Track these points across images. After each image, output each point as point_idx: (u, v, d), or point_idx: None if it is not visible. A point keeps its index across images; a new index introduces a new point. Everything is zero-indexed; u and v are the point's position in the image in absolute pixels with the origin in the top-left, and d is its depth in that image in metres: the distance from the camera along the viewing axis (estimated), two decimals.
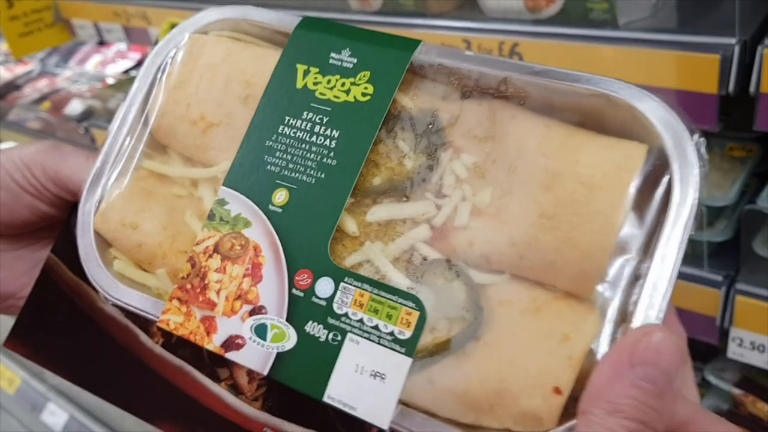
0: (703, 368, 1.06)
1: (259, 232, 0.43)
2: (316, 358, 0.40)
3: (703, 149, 0.39)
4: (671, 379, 0.34)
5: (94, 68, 2.19)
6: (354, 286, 0.41)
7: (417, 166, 0.44)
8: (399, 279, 0.42)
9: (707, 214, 0.86)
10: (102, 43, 2.05)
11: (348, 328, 0.40)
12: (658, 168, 0.39)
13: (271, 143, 0.45)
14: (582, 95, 0.41)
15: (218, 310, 0.43)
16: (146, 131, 0.51)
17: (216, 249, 0.44)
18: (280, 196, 0.43)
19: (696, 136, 0.39)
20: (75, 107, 1.92)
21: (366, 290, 0.40)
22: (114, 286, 0.48)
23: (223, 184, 0.45)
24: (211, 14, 0.52)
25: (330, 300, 0.41)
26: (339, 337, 0.40)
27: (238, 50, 0.50)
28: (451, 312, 0.41)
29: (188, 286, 0.44)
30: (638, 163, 0.39)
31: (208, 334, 0.43)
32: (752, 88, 0.73)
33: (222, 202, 0.45)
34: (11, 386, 1.92)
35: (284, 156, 0.44)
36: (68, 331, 0.50)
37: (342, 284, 0.41)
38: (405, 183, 0.44)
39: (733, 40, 0.73)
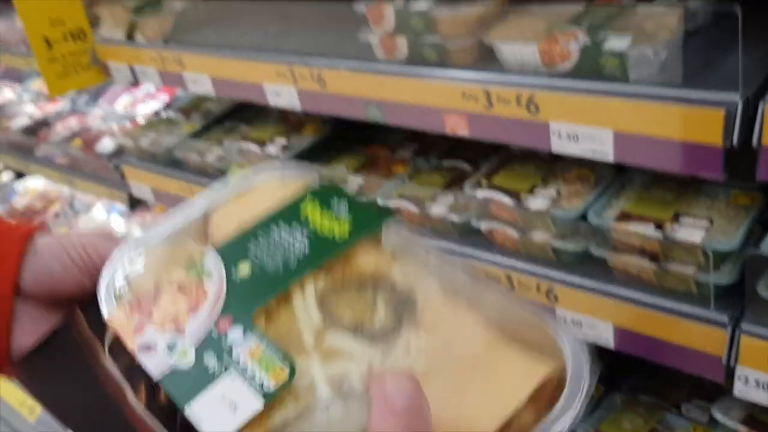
0: (710, 407, 1.10)
1: (214, 283, 0.55)
2: (199, 379, 0.49)
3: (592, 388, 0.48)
4: None
5: (124, 108, 2.28)
6: (256, 339, 0.51)
7: (384, 324, 0.53)
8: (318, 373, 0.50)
9: (714, 259, 0.90)
10: (133, 84, 2.14)
11: (234, 365, 0.49)
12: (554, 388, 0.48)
13: (259, 233, 0.58)
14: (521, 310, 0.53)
15: (152, 320, 0.53)
16: None
17: (179, 283, 0.55)
18: (244, 268, 0.56)
19: (593, 376, 0.48)
20: (106, 145, 2.00)
21: (262, 346, 0.50)
22: None
23: (214, 249, 0.57)
24: (271, 174, 0.66)
25: (234, 342, 0.51)
26: (223, 370, 0.49)
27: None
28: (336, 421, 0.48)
29: (144, 300, 0.55)
30: (539, 378, 0.48)
31: (133, 333, 0.53)
32: (755, 142, 0.78)
33: (202, 258, 0.57)
34: (32, 414, 1.95)
35: (264, 244, 0.57)
36: (70, 377, 0.58)
37: (249, 334, 0.51)
38: (369, 332, 0.53)
39: (736, 97, 0.78)
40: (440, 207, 1.25)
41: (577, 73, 0.92)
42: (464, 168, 1.34)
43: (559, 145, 0.94)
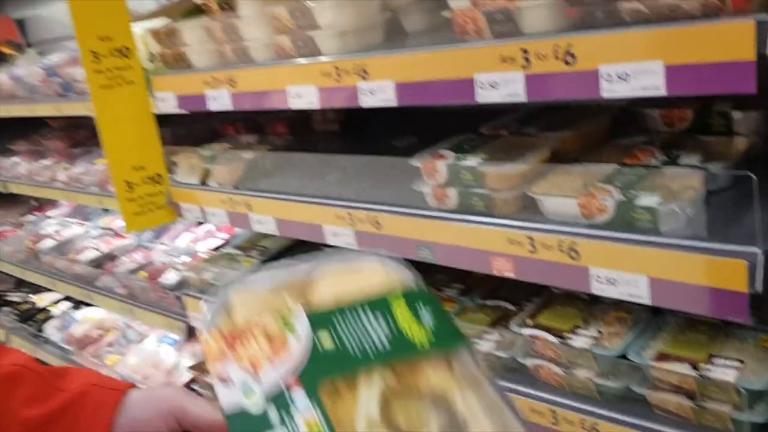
0: None
1: (299, 344, 0.61)
2: (260, 426, 0.56)
3: None
4: None
5: (186, 244, 2.46)
6: (315, 409, 0.56)
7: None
8: None
9: (747, 398, 0.96)
10: (201, 223, 2.32)
11: (290, 425, 0.55)
12: None
13: (349, 312, 0.64)
14: None
15: (235, 354, 0.61)
16: None
17: (266, 329, 0.63)
18: (327, 341, 0.61)
19: None
20: (170, 277, 2.15)
21: (318, 418, 0.56)
22: None
23: (306, 313, 0.64)
24: (377, 260, 0.72)
25: (296, 405, 0.57)
26: (279, 424, 0.55)
27: None
28: None
29: (234, 332, 0.63)
30: None
31: (217, 360, 0.62)
32: None
33: (294, 316, 0.64)
34: None
35: (351, 324, 0.62)
36: None
37: (311, 403, 0.57)
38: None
39: (757, 250, 0.89)
40: (487, 344, 1.33)
41: (612, 224, 1.04)
42: (508, 308, 1.43)
43: (599, 289, 1.04)
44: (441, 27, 1.29)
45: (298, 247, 1.99)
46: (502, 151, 1.27)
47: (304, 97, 1.43)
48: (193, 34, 1.71)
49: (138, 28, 1.89)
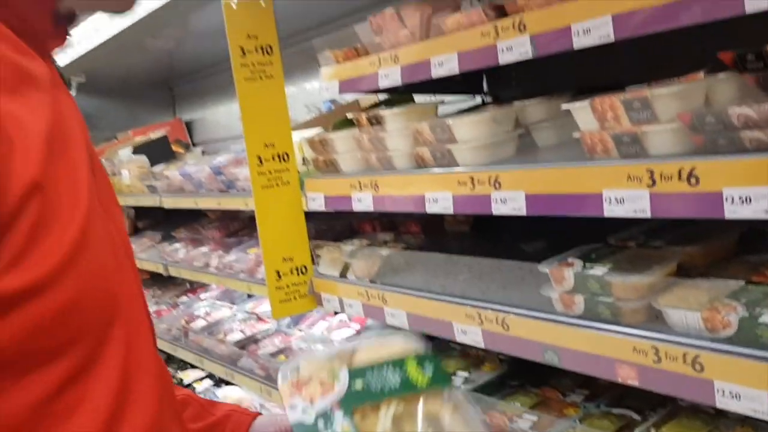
0: None
1: (340, 386, 0.94)
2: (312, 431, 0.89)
3: None
4: None
5: (321, 332, 2.62)
6: (349, 422, 0.89)
7: None
8: None
9: None
10: (336, 313, 2.48)
11: (331, 430, 0.87)
12: None
13: (375, 368, 0.96)
14: None
15: (300, 394, 0.93)
16: None
17: (321, 380, 0.95)
18: (359, 384, 0.94)
19: None
20: None
21: (350, 428, 0.88)
22: None
23: (348, 369, 0.96)
24: (399, 336, 1.08)
25: (336, 419, 0.89)
26: (325, 430, 0.88)
27: None
28: None
29: (300, 383, 0.97)
30: None
31: (289, 397, 0.95)
32: None
33: (339, 371, 0.96)
34: None
35: (376, 374, 0.95)
36: None
37: (346, 418, 0.88)
38: None
39: None
40: None
41: (736, 339, 1.06)
42: (632, 417, 1.44)
43: (723, 402, 1.06)
44: (570, 143, 1.40)
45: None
46: (629, 261, 1.33)
47: (440, 202, 1.57)
48: (343, 144, 1.93)
49: (296, 136, 2.14)
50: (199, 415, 1.10)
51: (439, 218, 2.34)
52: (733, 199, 1.02)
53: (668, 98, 1.15)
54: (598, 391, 1.59)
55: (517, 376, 1.75)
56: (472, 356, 1.88)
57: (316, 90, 3.33)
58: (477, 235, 2.23)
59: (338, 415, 0.89)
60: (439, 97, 2.20)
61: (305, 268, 2.15)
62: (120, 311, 0.77)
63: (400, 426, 0.91)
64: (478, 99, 2.38)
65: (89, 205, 0.72)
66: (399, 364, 0.97)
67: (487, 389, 1.69)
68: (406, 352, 1.00)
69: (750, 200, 1.00)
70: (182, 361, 3.28)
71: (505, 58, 1.43)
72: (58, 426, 0.69)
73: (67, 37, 0.86)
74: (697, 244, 1.35)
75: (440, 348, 2.02)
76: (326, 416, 0.89)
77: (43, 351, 0.68)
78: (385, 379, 0.95)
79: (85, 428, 0.71)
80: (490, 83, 2.37)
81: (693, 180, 1.07)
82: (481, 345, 1.54)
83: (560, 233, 1.64)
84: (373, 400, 0.92)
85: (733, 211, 1.02)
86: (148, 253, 3.51)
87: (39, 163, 0.66)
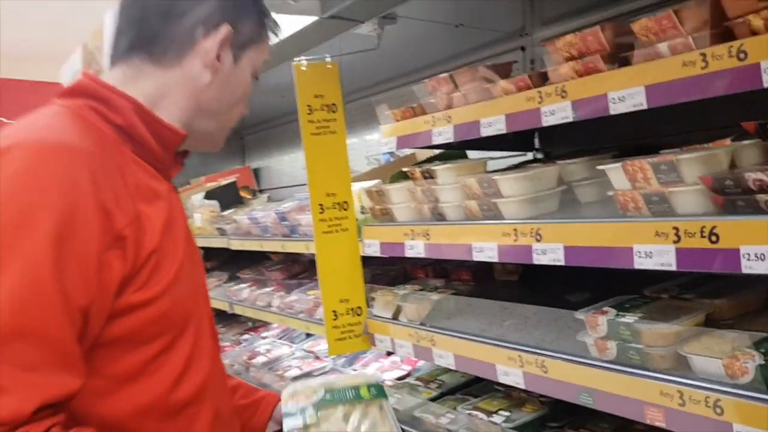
0: None
1: (317, 396, 1.49)
2: (296, 419, 1.44)
3: None
4: None
5: (374, 372, 2.75)
6: (315, 415, 1.46)
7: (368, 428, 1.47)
8: None
9: None
10: (390, 354, 2.60)
11: (305, 417, 1.44)
12: None
13: (341, 388, 1.51)
14: None
15: (291, 401, 1.50)
16: None
17: (307, 396, 1.51)
18: (329, 396, 1.49)
19: None
20: None
21: (316, 417, 1.44)
22: None
23: (324, 389, 1.51)
24: (360, 375, 1.58)
25: (308, 411, 1.47)
26: (298, 414, 1.45)
27: None
28: None
29: (293, 396, 1.51)
30: None
31: (284, 403, 1.52)
32: None
33: (320, 390, 1.52)
34: None
35: (340, 391, 1.50)
36: None
37: (313, 412, 1.46)
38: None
39: None
40: None
41: (753, 385, 1.15)
42: None
43: None
44: (609, 199, 1.52)
45: (472, 384, 2.18)
46: (660, 311, 1.42)
47: (485, 251, 1.70)
48: (398, 195, 2.09)
49: (355, 186, 2.32)
50: (246, 394, 1.62)
51: (489, 267, 2.45)
52: (749, 256, 1.12)
53: (692, 162, 1.27)
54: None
55: (558, 419, 1.83)
56: (514, 397, 1.97)
57: (375, 141, 3.53)
58: (524, 284, 2.34)
59: (310, 410, 1.44)
60: (491, 153, 2.34)
61: (360, 309, 2.29)
62: (193, 317, 1.24)
63: (347, 420, 1.45)
64: (530, 155, 2.52)
65: (182, 259, 1.20)
66: (355, 386, 1.51)
67: (526, 429, 1.77)
68: (363, 381, 1.54)
69: (765, 257, 1.10)
70: None
71: (548, 120, 1.57)
72: (152, 375, 1.15)
73: (183, 165, 1.35)
74: (725, 297, 1.44)
75: (485, 389, 2.11)
76: (303, 411, 1.44)
77: (148, 334, 1.14)
78: (345, 394, 1.48)
79: (167, 377, 1.17)
80: (541, 140, 2.51)
81: (714, 237, 1.18)
82: (522, 386, 1.64)
83: (603, 285, 1.74)
84: (332, 404, 1.46)
85: (749, 267, 1.12)
86: (215, 292, 3.72)
87: (158, 239, 1.14)
